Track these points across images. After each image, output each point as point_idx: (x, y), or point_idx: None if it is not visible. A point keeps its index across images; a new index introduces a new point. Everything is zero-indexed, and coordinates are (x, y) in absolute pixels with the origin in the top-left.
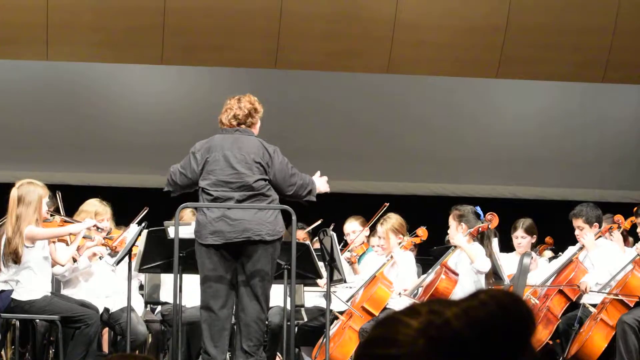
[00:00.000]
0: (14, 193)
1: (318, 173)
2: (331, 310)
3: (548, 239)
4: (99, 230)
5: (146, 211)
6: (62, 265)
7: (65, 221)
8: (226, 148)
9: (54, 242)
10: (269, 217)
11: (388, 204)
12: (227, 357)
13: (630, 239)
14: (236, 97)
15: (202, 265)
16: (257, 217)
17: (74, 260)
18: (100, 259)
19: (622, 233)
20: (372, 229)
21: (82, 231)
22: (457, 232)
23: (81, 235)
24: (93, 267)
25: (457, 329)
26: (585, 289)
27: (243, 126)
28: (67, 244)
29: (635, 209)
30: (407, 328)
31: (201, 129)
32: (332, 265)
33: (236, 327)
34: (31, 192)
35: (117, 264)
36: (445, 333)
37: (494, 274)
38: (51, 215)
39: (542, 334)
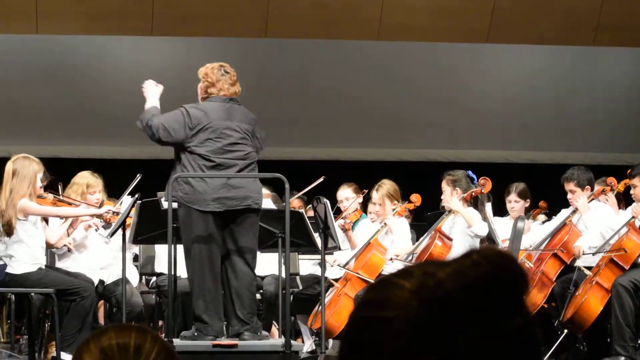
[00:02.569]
0: (9, 166)
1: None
2: (326, 278)
3: (542, 203)
4: (114, 214)
5: (139, 178)
6: (52, 244)
7: (59, 200)
8: (224, 117)
9: (46, 219)
10: (260, 186)
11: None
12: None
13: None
14: (230, 69)
15: (197, 232)
16: (255, 186)
17: (68, 235)
18: (96, 230)
19: (616, 195)
20: (366, 197)
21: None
22: (452, 197)
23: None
24: (87, 240)
25: (449, 290)
26: (579, 253)
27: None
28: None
29: (628, 171)
30: (400, 290)
31: (192, 100)
32: (326, 233)
33: (227, 296)
34: (26, 166)
35: (111, 236)
36: (438, 294)
37: (488, 238)
38: (44, 192)
39: (537, 298)
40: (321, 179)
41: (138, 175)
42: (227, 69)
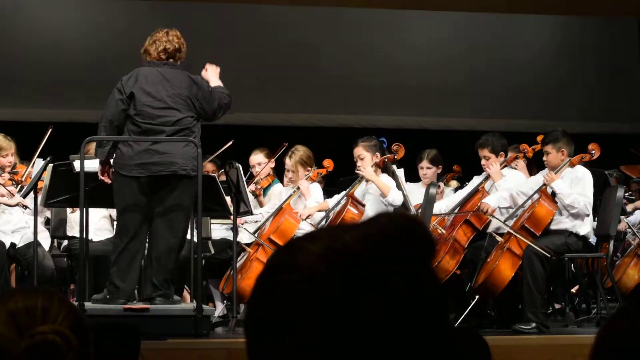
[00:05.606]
0: None
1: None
2: (238, 243)
3: (455, 167)
4: None
5: (50, 131)
6: None
7: None
8: (156, 82)
9: None
10: (194, 152)
11: (287, 144)
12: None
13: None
14: (163, 30)
15: (122, 197)
16: (183, 152)
17: None
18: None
19: (524, 160)
20: (278, 162)
21: None
22: (367, 164)
23: None
24: None
25: (356, 254)
26: (487, 210)
27: (172, 60)
28: None
29: (540, 137)
30: (306, 253)
31: (104, 61)
32: (238, 197)
33: (146, 260)
34: None
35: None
36: (345, 258)
37: (401, 204)
38: None
39: (450, 264)
40: (230, 143)
41: (49, 128)
42: (159, 30)
